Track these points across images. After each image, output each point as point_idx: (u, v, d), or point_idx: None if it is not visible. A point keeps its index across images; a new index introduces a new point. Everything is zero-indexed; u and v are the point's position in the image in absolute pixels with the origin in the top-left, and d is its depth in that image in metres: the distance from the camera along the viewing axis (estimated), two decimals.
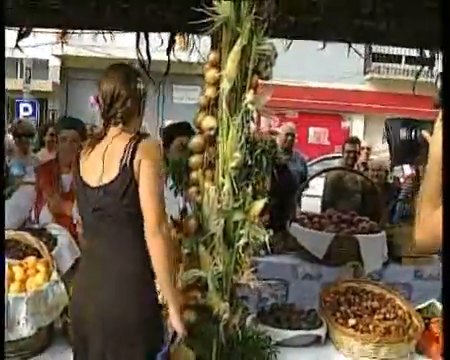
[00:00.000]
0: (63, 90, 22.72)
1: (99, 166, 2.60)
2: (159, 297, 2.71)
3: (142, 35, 5.20)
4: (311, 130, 21.58)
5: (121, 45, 9.38)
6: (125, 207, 2.52)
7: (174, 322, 2.58)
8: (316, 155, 15.49)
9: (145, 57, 5.18)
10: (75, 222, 3.96)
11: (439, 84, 5.23)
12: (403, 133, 2.33)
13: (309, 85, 20.50)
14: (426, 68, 5.50)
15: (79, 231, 3.93)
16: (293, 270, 4.63)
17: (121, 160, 2.53)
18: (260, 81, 2.96)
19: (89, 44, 12.58)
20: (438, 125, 2.02)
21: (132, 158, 2.52)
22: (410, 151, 2.34)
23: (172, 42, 5.26)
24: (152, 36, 5.20)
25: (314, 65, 17.44)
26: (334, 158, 12.66)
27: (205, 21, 2.78)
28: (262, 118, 3.07)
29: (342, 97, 21.19)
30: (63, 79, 22.65)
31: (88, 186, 2.63)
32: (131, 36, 5.36)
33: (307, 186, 7.35)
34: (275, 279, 4.53)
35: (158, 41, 5.21)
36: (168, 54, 5.21)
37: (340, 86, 20.95)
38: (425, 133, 2.20)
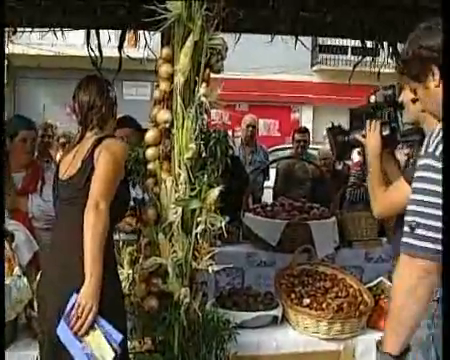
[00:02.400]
0: (10, 89, 22.31)
1: (69, 162, 2.86)
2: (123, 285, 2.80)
3: (93, 32, 5.20)
4: (261, 122, 21.76)
5: (71, 42, 9.30)
6: (86, 196, 2.64)
7: (82, 291, 2.51)
8: (267, 146, 15.62)
9: (96, 54, 5.18)
10: (30, 216, 4.06)
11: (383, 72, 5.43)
12: (340, 138, 3.22)
13: (258, 78, 20.67)
14: (370, 58, 5.67)
15: (35, 225, 4.03)
16: (248, 258, 4.70)
17: (85, 154, 2.77)
18: (212, 75, 3.08)
19: (36, 42, 12.41)
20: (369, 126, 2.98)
21: (93, 151, 2.75)
22: (346, 150, 3.34)
23: (123, 39, 5.28)
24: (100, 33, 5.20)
25: (263, 58, 17.62)
26: (285, 149, 12.83)
27: (157, 18, 2.87)
28: (213, 111, 3.17)
29: (291, 89, 21.43)
30: (10, 78, 22.22)
31: (59, 179, 2.90)
32: (81, 33, 5.36)
33: (267, 177, 7.53)
34: (231, 268, 4.61)
35: (106, 38, 5.22)
36: (120, 51, 5.22)
37: (289, 78, 21.21)
38: (357, 136, 3.10)
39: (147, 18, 2.93)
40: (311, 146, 8.15)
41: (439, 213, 1.83)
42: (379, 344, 2.07)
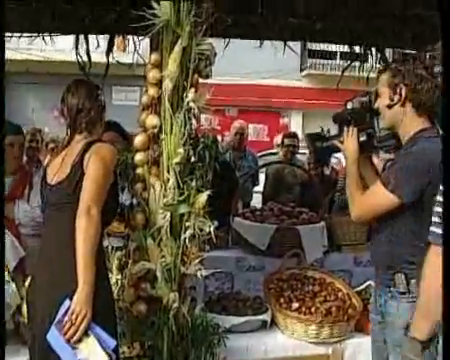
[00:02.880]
0: None
1: (58, 166, 2.85)
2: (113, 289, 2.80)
3: (81, 37, 5.19)
4: (251, 127, 21.77)
5: (59, 47, 9.27)
6: (76, 202, 2.63)
7: (76, 297, 2.49)
8: (256, 151, 15.62)
9: (85, 59, 5.18)
10: (17, 222, 4.04)
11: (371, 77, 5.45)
12: (318, 144, 3.30)
13: (248, 83, 20.69)
14: (358, 63, 5.71)
15: (22, 232, 4.01)
16: (237, 263, 4.70)
17: (75, 158, 2.76)
18: (200, 80, 3.09)
19: (25, 47, 12.36)
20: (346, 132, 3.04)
21: (83, 156, 2.74)
22: (325, 155, 3.44)
23: (112, 44, 5.28)
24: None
25: (252, 63, 17.64)
26: (274, 154, 12.84)
27: (145, 23, 2.89)
28: (203, 116, 3.19)
29: (280, 94, 21.46)
30: None
31: (47, 184, 2.87)
32: (70, 38, 5.35)
33: (257, 182, 7.55)
34: (220, 272, 4.61)
35: (94, 43, 5.22)
36: (108, 56, 5.22)
37: (278, 83, 21.25)
38: (335, 142, 3.16)
39: (136, 23, 2.95)
40: (300, 151, 8.18)
41: None
42: (407, 329, 2.14)
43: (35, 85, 18.08)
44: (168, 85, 2.92)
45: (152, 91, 3.06)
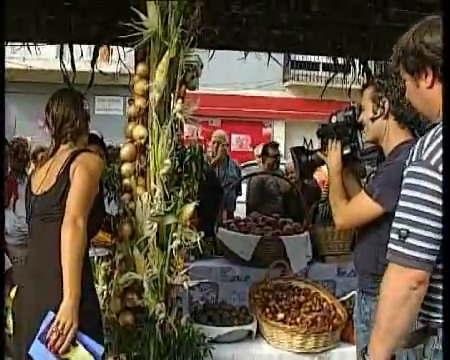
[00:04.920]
0: None
1: (43, 176, 2.82)
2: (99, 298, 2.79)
3: (66, 46, 5.19)
4: (234, 137, 21.83)
5: (43, 56, 9.24)
6: (62, 212, 2.63)
7: (61, 308, 2.49)
8: (239, 161, 15.65)
9: (69, 69, 5.17)
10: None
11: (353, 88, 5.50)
12: (303, 158, 3.28)
13: (231, 93, 20.76)
14: (341, 75, 5.76)
15: (9, 242, 3.97)
16: (222, 273, 4.69)
17: (60, 169, 2.74)
18: (187, 91, 3.11)
19: (7, 56, 12.31)
20: (330, 145, 3.06)
21: (69, 166, 2.73)
22: (309, 169, 3.39)
23: (96, 54, 5.28)
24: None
25: (235, 74, 17.73)
26: (253, 164, 12.85)
27: (133, 35, 2.90)
28: (186, 126, 3.20)
29: (263, 104, 21.54)
30: None
31: (32, 194, 2.84)
32: (53, 47, 5.34)
33: (240, 192, 7.56)
34: (205, 282, 4.60)
35: (78, 53, 5.22)
36: (92, 66, 5.22)
37: (261, 93, 21.35)
38: (319, 154, 3.18)
39: (122, 34, 2.96)
40: (282, 161, 8.23)
41: (431, 223, 1.82)
42: (364, 354, 2.08)
43: (18, 94, 17.99)
44: (155, 96, 2.93)
45: (139, 102, 3.07)
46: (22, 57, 13.12)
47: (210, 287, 4.64)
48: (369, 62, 5.68)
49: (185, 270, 2.99)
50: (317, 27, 4.80)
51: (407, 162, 1.97)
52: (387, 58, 5.44)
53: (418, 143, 1.94)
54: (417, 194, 1.86)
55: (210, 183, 4.33)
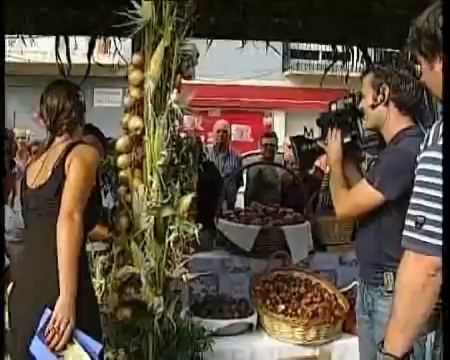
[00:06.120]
0: None
1: (38, 169, 2.77)
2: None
3: (62, 39, 5.14)
4: (234, 127, 21.77)
5: (41, 49, 9.18)
6: (58, 206, 2.58)
7: (58, 304, 2.46)
8: (240, 152, 15.57)
9: (65, 61, 5.12)
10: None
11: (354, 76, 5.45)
12: (303, 147, 3.26)
13: (230, 83, 20.69)
14: (341, 63, 5.71)
15: (6, 239, 3.92)
16: (222, 264, 4.66)
17: (56, 162, 2.69)
18: (183, 81, 3.05)
19: (6, 49, 12.23)
20: (330, 134, 3.04)
21: (64, 159, 2.67)
22: (310, 158, 3.39)
23: (93, 45, 5.23)
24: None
25: (235, 63, 17.62)
26: (255, 154, 12.83)
27: (127, 24, 2.85)
28: (186, 117, 3.15)
29: (263, 94, 21.47)
30: None
31: (28, 188, 2.80)
32: (50, 40, 5.29)
33: (241, 182, 7.53)
34: (205, 275, 4.57)
35: (74, 45, 5.17)
36: (89, 58, 5.18)
37: (261, 83, 21.27)
38: (320, 143, 3.17)
39: (117, 24, 2.90)
40: (280, 151, 8.19)
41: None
42: (381, 344, 2.01)
43: (16, 87, 17.95)
44: (150, 86, 2.88)
45: (134, 92, 3.02)
46: (20, 50, 13.05)
47: (210, 279, 4.61)
48: (369, 49, 5.62)
49: (184, 262, 2.95)
50: (316, 15, 4.74)
51: (421, 147, 1.91)
52: (386, 45, 5.43)
53: (433, 128, 1.88)
54: (433, 179, 1.80)
55: (209, 174, 4.28)
